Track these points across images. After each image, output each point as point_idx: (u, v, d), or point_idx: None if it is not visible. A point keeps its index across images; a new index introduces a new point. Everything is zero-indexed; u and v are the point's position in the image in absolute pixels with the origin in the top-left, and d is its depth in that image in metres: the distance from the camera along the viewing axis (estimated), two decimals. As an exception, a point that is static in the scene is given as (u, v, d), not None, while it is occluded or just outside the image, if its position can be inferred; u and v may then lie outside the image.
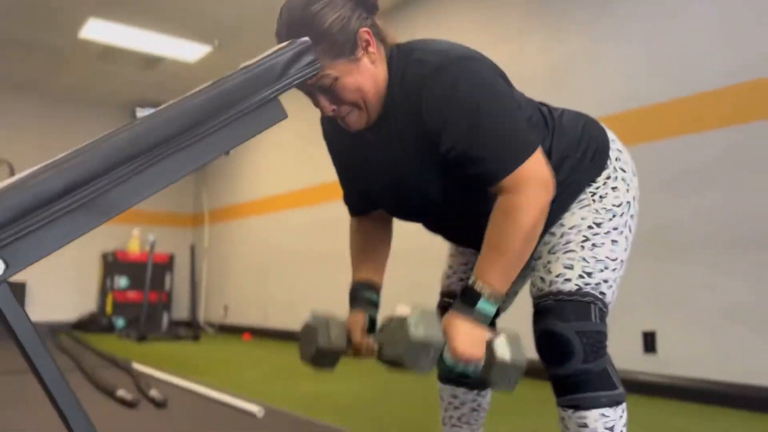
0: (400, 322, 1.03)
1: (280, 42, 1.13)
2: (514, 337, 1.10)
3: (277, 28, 1.13)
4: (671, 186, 3.03)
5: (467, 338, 1.06)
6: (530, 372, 1.17)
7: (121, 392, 2.79)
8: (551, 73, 3.66)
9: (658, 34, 3.17)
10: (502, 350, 1.07)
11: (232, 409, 2.66)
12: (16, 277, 0.79)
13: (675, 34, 3.10)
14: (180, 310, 7.64)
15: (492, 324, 1.42)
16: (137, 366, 3.76)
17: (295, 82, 0.98)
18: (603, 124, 1.31)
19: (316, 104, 1.15)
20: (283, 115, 0.96)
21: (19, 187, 0.72)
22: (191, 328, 6.29)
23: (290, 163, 6.16)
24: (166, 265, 7.17)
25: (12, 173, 6.43)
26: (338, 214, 5.21)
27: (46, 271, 6.47)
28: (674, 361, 2.94)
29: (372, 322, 1.31)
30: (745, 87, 2.81)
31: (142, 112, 7.41)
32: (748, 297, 2.72)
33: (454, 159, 1.09)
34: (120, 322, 6.80)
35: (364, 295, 1.33)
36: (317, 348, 1.21)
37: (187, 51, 5.82)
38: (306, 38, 1.06)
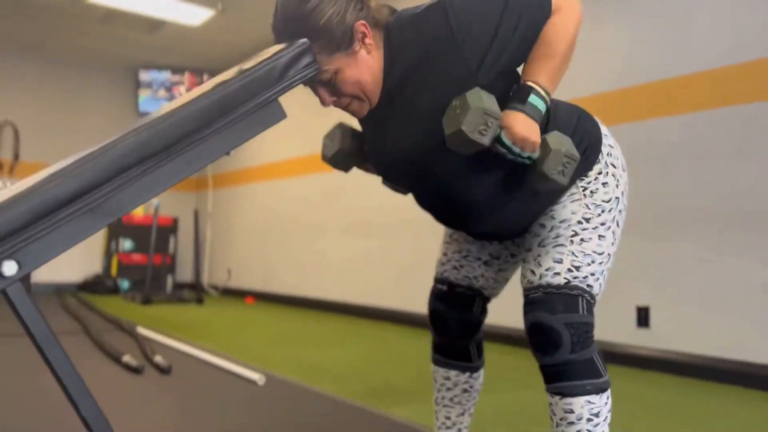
0: (461, 99, 1.09)
1: (276, 36, 1.15)
2: (564, 135, 1.17)
3: (274, 23, 1.15)
4: (668, 163, 3.05)
5: (524, 124, 1.11)
6: (524, 342, 1.23)
7: (126, 358, 2.87)
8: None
9: (661, 11, 3.14)
10: (556, 142, 1.13)
11: (234, 377, 2.74)
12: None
13: (677, 12, 3.07)
14: (184, 272, 7.75)
15: (484, 310, 1.48)
16: (142, 330, 3.85)
17: (295, 84, 1.01)
18: (596, 119, 1.33)
19: (316, 95, 1.17)
20: (282, 116, 0.99)
21: (30, 194, 0.76)
22: (195, 291, 6.39)
23: (295, 130, 6.15)
24: (170, 228, 7.24)
25: (16, 135, 6.45)
26: (343, 182, 5.24)
27: (52, 233, 6.53)
28: (666, 336, 3.01)
29: None
30: (747, 66, 2.80)
31: (145, 75, 7.39)
32: (741, 275, 2.76)
33: (503, 39, 1.13)
34: (125, 284, 6.90)
35: None
36: (340, 147, 1.34)
37: (191, 14, 5.77)
38: (305, 39, 1.07)
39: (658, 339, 3.04)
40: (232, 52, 6.83)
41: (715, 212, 2.86)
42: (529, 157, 1.13)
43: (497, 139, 1.11)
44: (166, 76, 7.44)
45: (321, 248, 5.67)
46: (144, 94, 7.44)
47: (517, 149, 1.11)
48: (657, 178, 3.08)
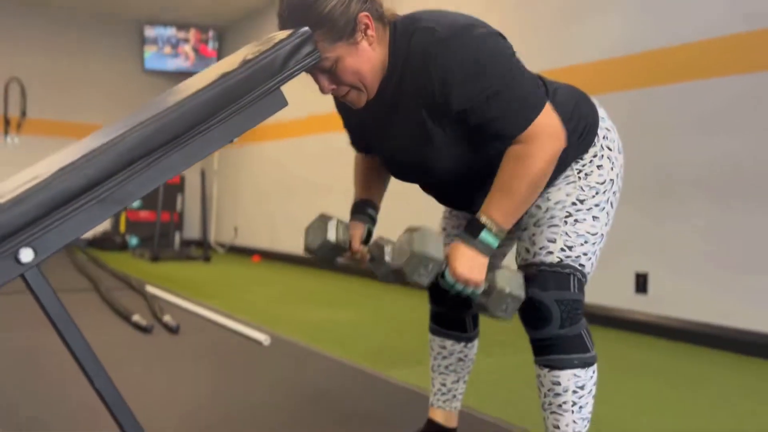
0: (407, 237, 1.15)
1: (281, 22, 1.17)
2: (516, 272, 1.21)
3: (279, 9, 1.17)
4: (670, 132, 3.05)
5: (468, 262, 1.16)
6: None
7: (136, 317, 2.96)
8: (559, 18, 3.60)
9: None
10: (502, 280, 1.18)
11: (241, 336, 2.83)
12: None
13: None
14: (191, 230, 7.84)
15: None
16: (151, 289, 3.94)
17: (296, 73, 1.03)
18: (594, 101, 1.35)
19: (316, 82, 1.20)
20: (284, 103, 1.02)
21: (44, 188, 0.80)
22: (202, 249, 6.48)
23: (302, 88, 6.13)
24: (178, 186, 7.30)
25: (23, 92, 6.46)
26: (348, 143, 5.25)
27: (60, 190, 6.61)
28: (664, 302, 3.07)
29: (369, 235, 1.44)
30: (752, 36, 2.78)
31: (150, 31, 7.33)
32: (738, 244, 2.80)
33: (470, 121, 1.16)
34: (134, 241, 7.01)
35: (365, 209, 1.45)
36: (325, 240, 1.33)
37: (195, -30, 5.71)
38: (306, 29, 1.10)
39: (654, 305, 3.10)
40: (238, 8, 6.76)
41: (718, 181, 2.88)
42: (473, 292, 1.18)
43: (441, 275, 1.17)
44: (171, 32, 7.38)
45: (326, 208, 5.70)
46: (150, 51, 7.40)
47: (459, 287, 1.17)
48: (661, 147, 3.09)
